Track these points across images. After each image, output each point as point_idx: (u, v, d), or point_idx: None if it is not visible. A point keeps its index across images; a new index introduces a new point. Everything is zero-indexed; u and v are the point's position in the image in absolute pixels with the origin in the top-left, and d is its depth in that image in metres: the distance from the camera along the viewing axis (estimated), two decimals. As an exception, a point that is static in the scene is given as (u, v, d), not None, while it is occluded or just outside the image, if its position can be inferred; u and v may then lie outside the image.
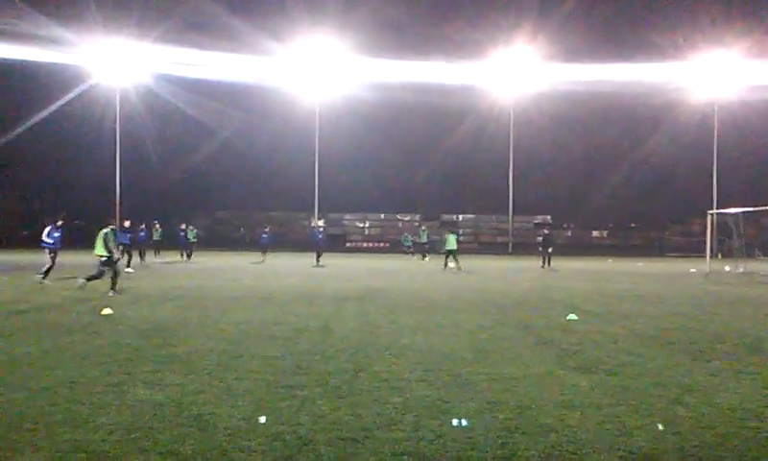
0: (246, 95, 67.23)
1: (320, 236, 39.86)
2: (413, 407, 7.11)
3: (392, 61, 64.44)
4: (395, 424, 6.50)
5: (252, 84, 64.36)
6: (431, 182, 77.53)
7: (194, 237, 39.37)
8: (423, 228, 52.56)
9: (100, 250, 19.03)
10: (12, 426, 6.25)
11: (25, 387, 7.76)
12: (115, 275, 18.97)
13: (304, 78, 63.35)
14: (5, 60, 57.78)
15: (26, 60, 58.89)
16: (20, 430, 6.16)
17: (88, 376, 8.33)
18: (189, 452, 5.64)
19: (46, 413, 6.72)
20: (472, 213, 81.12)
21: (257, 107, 68.58)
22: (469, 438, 6.13)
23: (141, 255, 36.48)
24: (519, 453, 5.76)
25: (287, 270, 32.01)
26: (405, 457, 5.62)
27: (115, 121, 63.52)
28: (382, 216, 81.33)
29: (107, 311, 14.46)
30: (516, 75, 64.35)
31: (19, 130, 63.93)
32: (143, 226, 39.46)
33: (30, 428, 6.22)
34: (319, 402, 7.26)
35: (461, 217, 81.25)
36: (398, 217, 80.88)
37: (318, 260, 37.55)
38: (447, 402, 7.33)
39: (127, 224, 29.04)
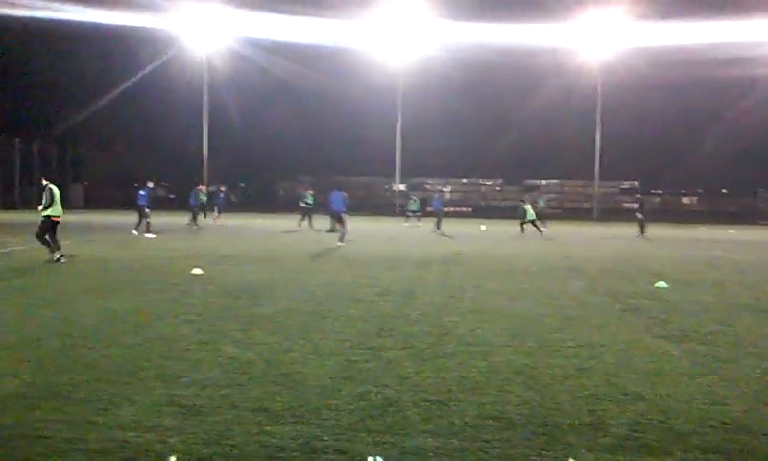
0: (330, 59, 67.49)
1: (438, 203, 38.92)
2: (498, 372, 7.08)
3: (475, 24, 63.57)
4: (480, 388, 6.49)
5: (336, 47, 64.52)
6: (515, 146, 76.48)
7: (311, 202, 37.26)
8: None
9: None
10: (109, 381, 6.49)
11: (120, 343, 8.05)
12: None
13: (388, 41, 63.11)
14: (95, 24, 59.36)
15: (115, 25, 60.34)
16: (117, 384, 6.39)
17: (180, 334, 8.59)
18: (279, 409, 5.76)
19: (141, 368, 6.96)
20: (557, 178, 79.74)
21: (341, 70, 68.81)
22: (557, 404, 6.07)
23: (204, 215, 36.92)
24: (608, 421, 5.68)
25: (369, 234, 32.20)
26: (491, 421, 5.61)
27: (202, 85, 64.66)
28: (464, 181, 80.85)
29: (196, 271, 14.85)
30: (604, 35, 62.59)
31: (110, 95, 65.85)
32: (222, 188, 40.20)
33: (126, 382, 6.45)
34: (404, 364, 7.30)
35: (544, 182, 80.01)
36: (481, 182, 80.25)
37: (438, 227, 36.61)
38: (533, 368, 7.28)
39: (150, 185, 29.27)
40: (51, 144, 65.44)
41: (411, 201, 47.87)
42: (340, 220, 25.35)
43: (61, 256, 16.85)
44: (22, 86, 66.86)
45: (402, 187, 70.88)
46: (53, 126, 65.75)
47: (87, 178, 72.14)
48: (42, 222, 16.97)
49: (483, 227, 40.52)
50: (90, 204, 67.95)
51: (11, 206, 58.17)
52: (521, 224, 34.70)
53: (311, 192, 36.26)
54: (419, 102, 67.52)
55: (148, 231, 27.08)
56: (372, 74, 66.37)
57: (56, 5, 56.93)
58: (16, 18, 56.56)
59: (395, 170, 68.00)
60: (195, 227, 34.10)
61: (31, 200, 59.99)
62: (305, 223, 34.59)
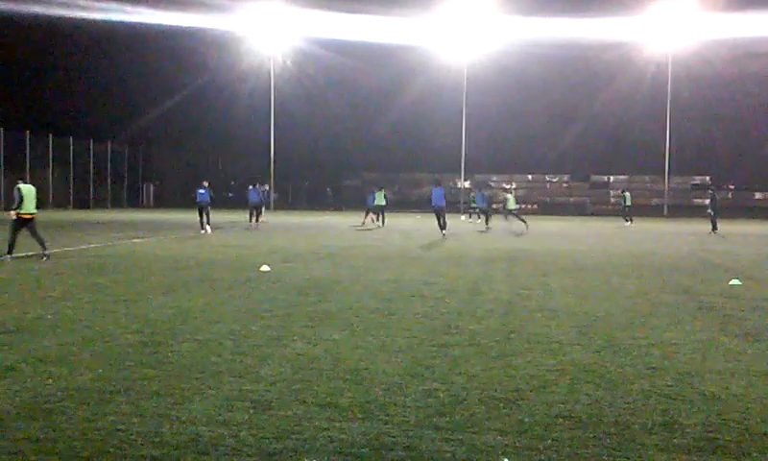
0: (394, 56, 67.52)
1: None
2: (567, 370, 6.99)
3: (542, 19, 62.83)
4: (549, 387, 6.42)
5: (401, 44, 64.53)
6: (581, 142, 75.27)
7: (382, 200, 37.52)
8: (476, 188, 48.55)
9: None
10: (182, 375, 6.62)
11: (192, 338, 8.21)
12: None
13: (452, 38, 62.84)
14: (165, 26, 60.65)
15: (184, 27, 61.55)
16: (188, 379, 6.52)
17: (250, 330, 8.72)
18: (346, 405, 5.80)
19: (212, 363, 7.08)
20: (625, 173, 78.24)
21: (406, 68, 68.78)
22: (628, 403, 5.96)
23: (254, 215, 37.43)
24: (681, 421, 5.55)
25: (433, 231, 32.13)
26: (560, 420, 5.54)
27: (269, 85, 65.41)
28: (530, 177, 79.98)
29: (264, 268, 15.04)
30: (675, 27, 61.13)
31: (180, 96, 67.21)
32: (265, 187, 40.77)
33: (197, 377, 6.57)
34: (471, 362, 7.27)
35: (612, 178, 78.61)
36: (547, 178, 79.28)
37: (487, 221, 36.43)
38: (603, 367, 7.16)
39: (205, 184, 30.01)
40: (123, 144, 67.13)
41: (475, 196, 47.80)
42: (441, 214, 27.05)
43: (44, 256, 17.21)
44: (96, 88, 68.75)
45: (467, 184, 70.42)
46: (125, 127, 67.44)
47: (158, 177, 73.77)
48: (13, 220, 17.41)
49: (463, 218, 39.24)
50: (161, 202, 69.55)
51: (85, 206, 59.86)
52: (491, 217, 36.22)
53: (383, 190, 36.88)
54: (483, 98, 67.02)
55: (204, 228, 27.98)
56: (437, 71, 66.17)
57: (128, 8, 58.38)
58: (90, 21, 58.21)
59: (459, 167, 67.68)
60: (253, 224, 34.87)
61: (104, 200, 61.79)
62: (378, 221, 35.32)
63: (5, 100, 60.16)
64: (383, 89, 73.27)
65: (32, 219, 17.61)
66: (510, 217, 34.50)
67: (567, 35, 62.82)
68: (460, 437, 5.13)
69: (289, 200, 72.87)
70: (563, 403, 5.94)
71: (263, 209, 38.98)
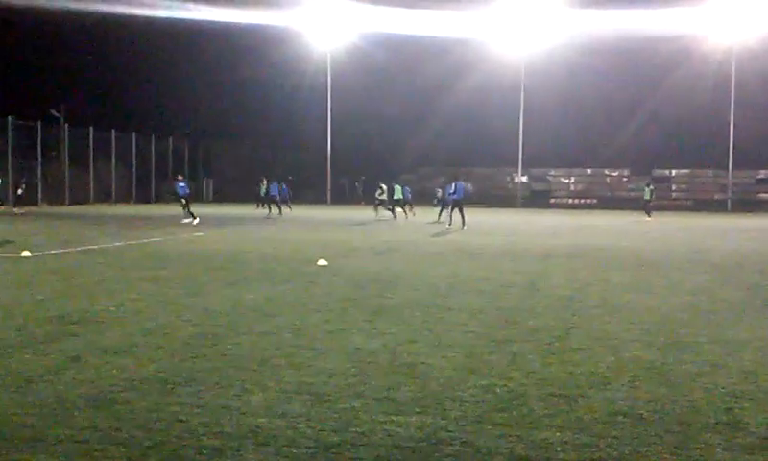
0: (450, 50, 67.21)
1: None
2: (628, 367, 6.88)
3: (600, 10, 61.80)
4: (609, 384, 6.33)
5: (457, 38, 64.21)
6: (642, 135, 73.81)
7: (399, 195, 38.96)
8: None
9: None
10: (241, 368, 6.71)
11: (252, 331, 8.32)
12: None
13: (510, 31, 62.28)
14: (223, 23, 61.42)
15: (242, 24, 62.25)
16: (248, 371, 6.60)
17: (308, 323, 8.79)
18: (404, 399, 5.80)
19: (271, 356, 7.16)
20: (687, 167, 76.51)
21: (462, 61, 68.42)
22: (690, 402, 5.84)
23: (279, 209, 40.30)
24: (745, 419, 5.42)
25: (490, 225, 31.97)
26: (621, 417, 5.46)
27: (326, 80, 65.78)
28: (589, 171, 78.76)
29: (322, 262, 15.14)
30: (738, 17, 59.53)
31: (238, 92, 68.07)
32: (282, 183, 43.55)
33: (256, 369, 6.65)
34: (529, 358, 7.21)
35: (673, 172, 76.95)
36: (606, 172, 78.00)
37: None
38: (665, 364, 7.03)
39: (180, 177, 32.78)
40: (184, 140, 68.33)
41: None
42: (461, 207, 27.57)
43: None
44: (158, 85, 70.07)
45: (524, 179, 69.79)
46: (186, 123, 68.61)
47: (217, 172, 74.80)
48: None
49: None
50: (220, 197, 70.52)
51: (146, 200, 61.08)
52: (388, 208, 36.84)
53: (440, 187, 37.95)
54: (541, 91, 66.26)
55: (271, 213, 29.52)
56: (494, 64, 65.65)
57: (189, 5, 59.28)
58: (151, 19, 59.29)
59: (516, 161, 67.09)
60: (272, 216, 37.77)
61: (164, 194, 62.92)
62: (444, 215, 35.84)
63: (70, 97, 61.73)
64: (439, 84, 72.99)
65: None
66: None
67: (628, 26, 61.70)
68: (518, 433, 5.09)
69: (346, 194, 73.15)
70: (623, 401, 5.85)
71: (288, 203, 42.71)
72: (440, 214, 33.67)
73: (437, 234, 25.33)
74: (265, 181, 42.37)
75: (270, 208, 40.55)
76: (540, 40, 62.73)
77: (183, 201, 30.75)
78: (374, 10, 61.89)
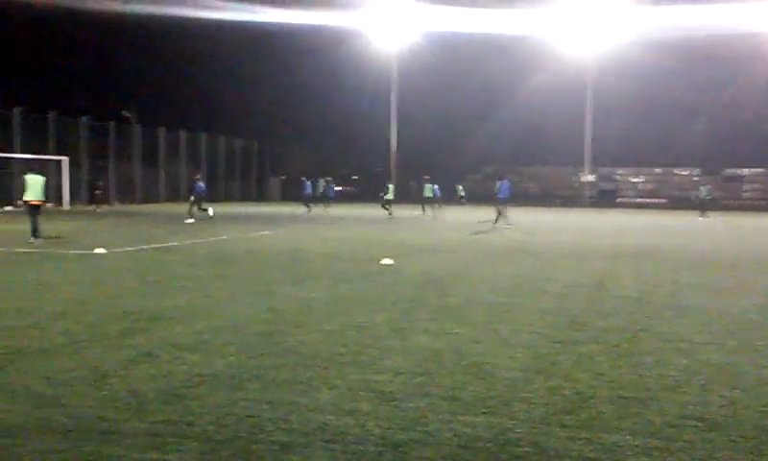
0: (515, 48, 66.62)
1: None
2: (699, 371, 6.73)
3: (668, 7, 60.43)
4: (680, 387, 6.20)
5: (522, 36, 63.57)
6: (713, 133, 71.92)
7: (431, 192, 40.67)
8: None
9: None
10: (309, 365, 6.78)
11: (318, 329, 8.40)
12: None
13: (577, 28, 61.43)
14: (289, 25, 62.08)
15: (308, 25, 62.81)
16: (315, 368, 6.67)
17: (373, 322, 8.84)
18: (470, 399, 5.79)
19: (338, 354, 7.22)
20: (761, 166, 74.24)
21: (528, 60, 67.75)
22: (765, 406, 5.69)
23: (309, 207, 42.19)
24: (826, 428, 5.26)
25: (557, 226, 31.61)
26: (693, 421, 5.35)
27: (389, 80, 65.92)
28: (657, 170, 77.11)
29: (386, 261, 15.19)
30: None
31: (305, 92, 68.71)
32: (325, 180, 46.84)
33: (323, 367, 6.71)
34: (597, 359, 7.11)
35: (746, 171, 74.77)
36: (675, 172, 76.26)
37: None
38: (738, 367, 6.86)
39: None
40: (252, 140, 69.37)
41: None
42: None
43: (34, 236, 18.58)
44: (227, 86, 71.20)
45: (591, 178, 68.73)
46: (254, 123, 69.59)
47: (284, 171, 75.64)
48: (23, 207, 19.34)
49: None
50: (286, 196, 71.31)
51: (214, 199, 62.08)
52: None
53: (433, 183, 40.10)
54: (609, 89, 65.15)
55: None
56: (560, 62, 64.82)
57: (256, 8, 60.16)
58: (219, 22, 60.32)
59: (582, 160, 66.17)
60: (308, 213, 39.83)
61: (233, 193, 63.99)
62: (430, 212, 37.00)
63: (142, 98, 63.21)
64: (504, 82, 72.41)
65: (38, 206, 19.23)
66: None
67: (699, 22, 60.22)
68: (587, 436, 5.03)
69: (411, 194, 73.26)
70: (695, 404, 5.73)
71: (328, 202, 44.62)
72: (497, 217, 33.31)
73: (499, 234, 25.14)
74: (307, 181, 44.07)
75: (309, 208, 42.14)
76: (608, 37, 61.73)
77: (193, 198, 31.66)
78: (438, 9, 61.77)
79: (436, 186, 40.43)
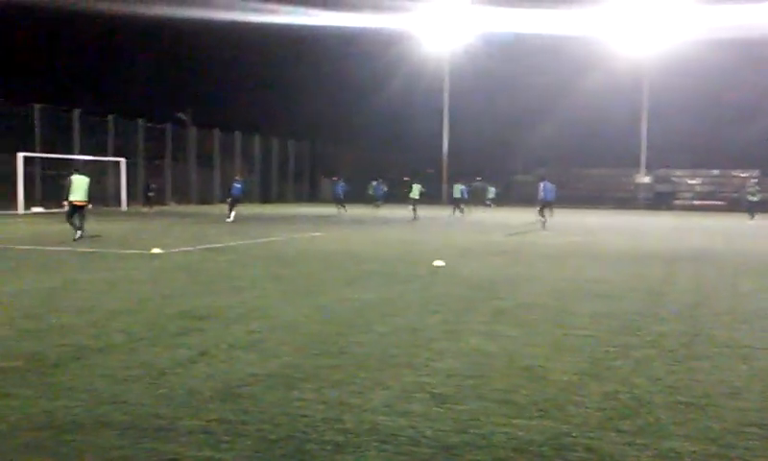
0: (569, 49, 65.90)
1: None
2: (760, 377, 6.57)
3: (725, 5, 59.14)
4: (739, 393, 6.06)
5: (575, 36, 62.85)
6: (773, 134, 70.11)
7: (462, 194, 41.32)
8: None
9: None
10: (362, 366, 6.80)
11: (371, 331, 8.42)
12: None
13: (631, 28, 60.52)
14: (342, 28, 62.41)
15: (360, 28, 63.07)
16: (369, 369, 6.69)
17: (426, 324, 8.83)
18: (523, 402, 5.74)
19: (391, 355, 7.23)
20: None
21: (580, 60, 66.96)
22: (830, 415, 5.54)
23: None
24: None
25: (612, 228, 31.19)
26: (754, 429, 5.22)
27: (442, 81, 65.81)
28: (716, 172, 75.51)
29: (438, 263, 15.16)
30: None
31: (356, 94, 69.04)
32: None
33: (377, 368, 6.73)
34: (654, 364, 7.00)
35: (811, 173, 72.61)
36: (734, 173, 74.56)
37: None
38: (801, 375, 6.68)
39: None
40: (304, 142, 69.93)
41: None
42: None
43: (81, 237, 19.44)
44: (279, 90, 71.93)
45: (647, 179, 67.61)
46: (306, 125, 70.18)
47: (336, 173, 76.08)
48: (67, 208, 19.88)
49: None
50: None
51: (268, 200, 62.75)
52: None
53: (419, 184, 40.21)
54: (666, 89, 64.02)
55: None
56: (615, 62, 63.91)
57: (310, 11, 60.68)
58: (272, 25, 60.92)
59: (637, 162, 65.16)
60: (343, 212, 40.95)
61: (286, 194, 64.57)
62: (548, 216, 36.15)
63: (197, 101, 64.24)
64: (557, 83, 71.70)
65: (83, 206, 19.93)
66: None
67: (756, 22, 58.81)
68: (644, 441, 4.95)
69: (487, 195, 73.07)
70: (756, 411, 5.60)
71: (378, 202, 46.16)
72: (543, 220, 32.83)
73: (553, 236, 24.89)
74: (340, 181, 45.04)
75: (344, 208, 42.67)
76: (665, 36, 60.69)
77: (230, 199, 32.59)
78: (491, 10, 61.43)
79: (464, 188, 41.25)
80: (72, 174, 20.51)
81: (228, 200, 33.04)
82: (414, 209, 37.03)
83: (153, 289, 11.42)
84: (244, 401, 5.70)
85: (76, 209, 19.85)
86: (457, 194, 40.79)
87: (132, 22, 61.38)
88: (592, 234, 26.31)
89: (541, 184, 29.29)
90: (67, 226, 19.98)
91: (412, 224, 32.20)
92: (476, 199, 51.47)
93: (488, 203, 54.67)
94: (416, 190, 38.06)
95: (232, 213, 31.61)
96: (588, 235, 25.68)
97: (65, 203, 19.89)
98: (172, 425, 5.14)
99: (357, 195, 58.40)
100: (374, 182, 48.66)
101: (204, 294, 10.96)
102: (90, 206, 20.53)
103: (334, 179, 45.82)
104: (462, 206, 40.54)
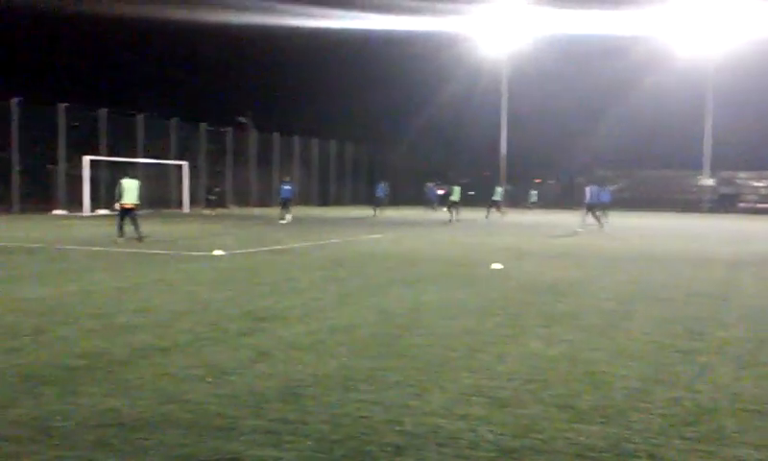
0: (629, 49, 64.85)
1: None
2: (831, 385, 6.39)
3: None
4: (809, 402, 5.91)
5: (636, 36, 61.83)
6: None
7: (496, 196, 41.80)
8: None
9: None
10: (420, 368, 6.82)
11: (429, 332, 8.43)
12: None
13: (694, 28, 59.25)
14: (396, 32, 62.54)
15: (416, 31, 63.12)
16: (427, 371, 6.70)
17: (485, 327, 8.80)
18: (585, 408, 5.68)
19: (448, 358, 7.23)
20: None
21: (641, 60, 65.83)
22: None
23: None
24: None
25: (674, 231, 30.61)
26: (823, 438, 5.09)
27: (499, 84, 65.42)
28: (782, 174, 73.32)
29: (496, 266, 15.09)
30: None
31: (414, 98, 69.12)
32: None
33: (435, 370, 6.73)
34: (719, 370, 6.85)
35: None
36: (802, 176, 72.30)
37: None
38: None
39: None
40: (361, 145, 70.29)
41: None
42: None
43: (134, 238, 20.00)
44: (337, 94, 72.41)
45: (710, 182, 66.12)
46: (363, 128, 70.53)
47: (393, 176, 76.23)
48: (119, 210, 20.51)
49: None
50: (395, 199, 71.85)
51: (325, 203, 63.23)
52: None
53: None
54: (731, 89, 62.51)
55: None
56: (676, 62, 62.69)
57: (366, 15, 60.97)
58: (328, 30, 61.47)
59: (701, 163, 63.81)
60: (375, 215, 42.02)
61: (343, 197, 64.96)
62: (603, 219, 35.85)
63: (257, 105, 65.13)
64: (617, 84, 70.61)
65: (133, 209, 20.44)
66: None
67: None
68: (709, 449, 4.86)
69: (529, 199, 72.56)
70: (826, 421, 5.45)
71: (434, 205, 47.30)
72: (600, 222, 32.06)
73: (612, 239, 24.52)
74: (383, 184, 46.09)
75: (379, 211, 43.72)
76: (729, 36, 59.29)
77: (284, 201, 33.62)
78: (549, 11, 60.85)
79: (501, 190, 42.72)
80: (123, 178, 21.02)
81: (284, 202, 33.87)
82: (452, 211, 37.38)
83: (215, 290, 11.61)
84: (304, 402, 5.76)
85: (126, 212, 20.41)
86: (497, 196, 41.89)
87: (195, 29, 62.55)
88: (653, 237, 25.86)
89: (588, 188, 30.12)
90: (129, 228, 20.41)
91: (461, 225, 32.07)
92: (514, 201, 52.55)
93: (529, 205, 54.63)
94: (456, 193, 38.43)
95: (287, 215, 32.37)
96: (648, 238, 25.25)
97: (117, 205, 20.49)
98: (234, 425, 5.23)
99: (413, 197, 58.50)
100: (381, 184, 47.45)
101: (264, 295, 11.10)
102: (140, 210, 21.10)
103: (377, 183, 46.51)
104: (500, 208, 41.72)
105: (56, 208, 39.94)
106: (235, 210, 48.95)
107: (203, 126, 51.90)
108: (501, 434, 5.09)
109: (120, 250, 18.23)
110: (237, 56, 69.34)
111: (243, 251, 18.47)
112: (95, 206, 39.71)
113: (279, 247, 19.87)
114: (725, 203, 63.89)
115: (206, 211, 42.89)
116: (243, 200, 54.93)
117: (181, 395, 5.90)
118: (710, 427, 5.28)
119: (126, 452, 4.71)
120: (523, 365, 6.96)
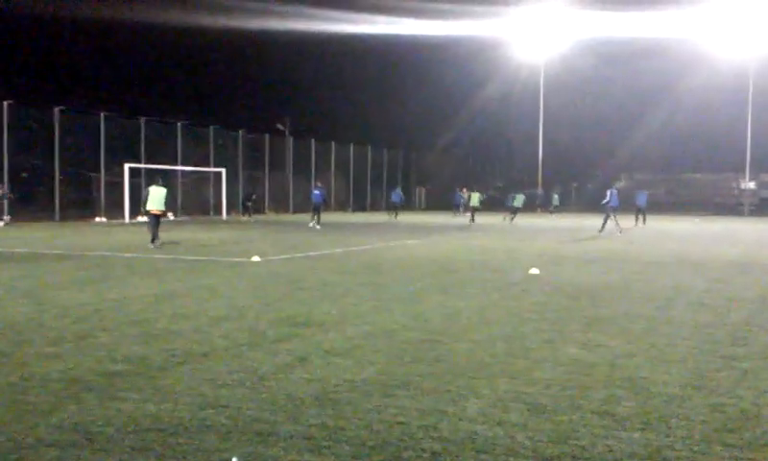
0: (668, 52, 64.15)
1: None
2: None
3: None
4: None
5: (675, 39, 61.14)
6: None
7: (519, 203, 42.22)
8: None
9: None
10: (457, 374, 6.79)
11: (466, 338, 8.40)
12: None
13: (733, 29, 58.38)
14: (432, 37, 62.58)
15: (452, 36, 63.13)
16: (464, 377, 6.67)
17: (522, 332, 8.74)
18: (624, 414, 5.62)
19: (486, 364, 7.19)
20: None
21: (680, 63, 65.06)
22: None
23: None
24: None
25: (714, 235, 30.16)
26: None
27: (537, 88, 65.11)
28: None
29: (533, 271, 14.99)
30: None
31: (450, 104, 69.01)
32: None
33: (472, 376, 6.70)
34: (762, 376, 6.73)
35: None
36: None
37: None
38: None
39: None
40: (398, 151, 70.40)
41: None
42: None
43: (152, 243, 20.51)
44: (372, 100, 72.73)
45: (751, 185, 65.12)
46: (399, 134, 70.72)
47: (428, 181, 76.21)
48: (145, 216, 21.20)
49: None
50: (431, 205, 71.83)
51: (362, 208, 63.37)
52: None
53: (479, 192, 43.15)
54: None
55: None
56: (716, 65, 61.82)
57: (402, 20, 61.22)
58: (365, 35, 61.68)
59: (742, 167, 62.86)
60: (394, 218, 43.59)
61: (379, 202, 65.02)
62: (640, 221, 35.98)
63: (294, 112, 65.62)
64: (655, 87, 69.88)
65: (158, 215, 20.87)
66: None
67: None
68: (751, 456, 4.78)
69: (566, 202, 72.03)
70: None
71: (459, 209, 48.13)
72: (617, 224, 31.44)
73: (652, 244, 24.23)
74: (398, 189, 47.87)
75: (396, 215, 45.40)
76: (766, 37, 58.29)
77: (315, 206, 34.26)
78: (588, 14, 60.41)
79: (522, 196, 42.84)
80: (151, 185, 21.44)
81: (315, 207, 34.41)
82: (472, 215, 39.03)
83: (253, 296, 11.69)
84: (341, 407, 5.77)
85: (155, 218, 20.81)
86: (518, 203, 41.79)
87: (232, 37, 63.26)
88: (693, 241, 25.50)
89: (609, 192, 30.60)
90: (163, 235, 20.85)
91: (495, 230, 31.93)
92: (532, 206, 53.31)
93: (551, 210, 54.42)
94: (475, 198, 39.32)
95: (315, 221, 33.10)
96: (687, 242, 24.90)
97: (143, 211, 21.04)
98: (273, 430, 5.25)
99: (446, 203, 58.53)
100: (397, 189, 48.92)
101: (301, 301, 11.15)
102: (166, 215, 21.62)
103: (395, 187, 47.85)
104: (513, 215, 41.79)
105: (97, 216, 40.53)
106: (272, 217, 49.26)
107: (241, 133, 52.36)
108: (539, 441, 5.05)
109: (158, 256, 18.44)
110: (275, 63, 69.94)
111: (280, 257, 18.59)
112: (135, 213, 40.23)
113: (316, 253, 19.95)
114: (767, 206, 62.84)
115: (244, 218, 43.21)
116: (280, 206, 55.30)
117: (219, 400, 5.94)
118: (754, 434, 5.19)
119: (165, 457, 4.76)
120: (561, 371, 6.90)
